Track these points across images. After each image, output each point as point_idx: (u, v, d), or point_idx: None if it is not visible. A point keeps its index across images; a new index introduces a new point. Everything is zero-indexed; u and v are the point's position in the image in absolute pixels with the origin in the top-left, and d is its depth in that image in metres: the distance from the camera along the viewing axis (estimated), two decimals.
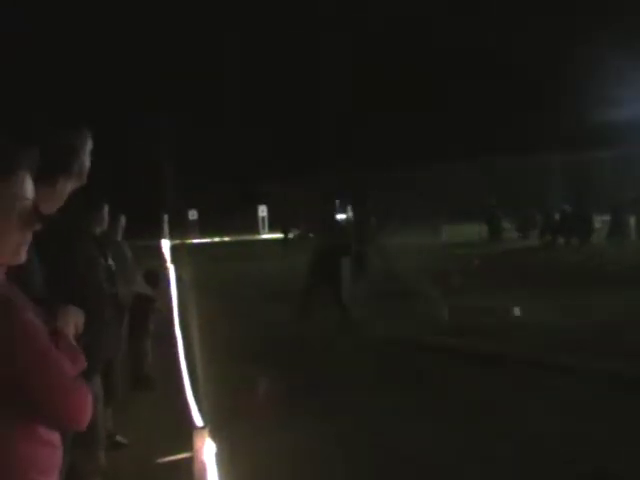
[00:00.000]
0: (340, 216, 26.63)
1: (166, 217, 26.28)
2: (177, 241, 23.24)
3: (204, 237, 27.47)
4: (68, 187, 1.47)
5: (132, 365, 4.57)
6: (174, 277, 6.35)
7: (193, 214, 30.19)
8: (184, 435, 2.69)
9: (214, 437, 1.89)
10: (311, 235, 9.97)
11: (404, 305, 7.13)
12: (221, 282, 10.48)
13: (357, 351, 5.39)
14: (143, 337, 4.62)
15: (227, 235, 26.54)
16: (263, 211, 30.25)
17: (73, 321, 1.17)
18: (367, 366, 4.85)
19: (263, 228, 30.69)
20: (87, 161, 1.55)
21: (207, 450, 1.79)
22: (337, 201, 22.54)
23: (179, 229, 25.24)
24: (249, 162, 33.52)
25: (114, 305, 2.78)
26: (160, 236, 20.94)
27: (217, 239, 26.73)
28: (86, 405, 1.04)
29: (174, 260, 10.10)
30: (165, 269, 9.64)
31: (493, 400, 3.92)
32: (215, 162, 33.09)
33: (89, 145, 1.56)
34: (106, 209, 3.43)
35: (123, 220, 4.27)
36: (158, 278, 4.91)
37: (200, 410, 3.19)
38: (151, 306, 4.64)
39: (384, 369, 4.77)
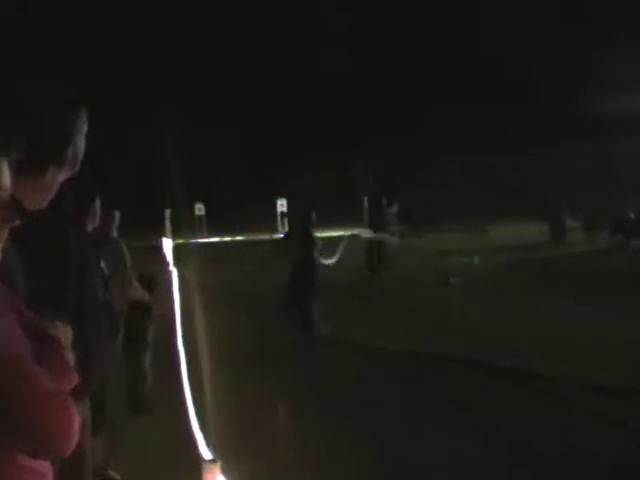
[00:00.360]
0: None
1: (168, 212, 26.81)
2: (181, 240, 23.98)
3: (213, 236, 27.63)
4: (60, 177, 1.44)
5: (127, 385, 4.52)
6: (176, 282, 6.39)
7: (200, 209, 30.35)
8: (189, 469, 2.70)
9: (226, 473, 1.88)
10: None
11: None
12: (231, 288, 10.69)
13: (375, 365, 5.71)
14: (140, 352, 4.59)
15: (240, 233, 26.76)
16: (282, 205, 30.30)
17: (62, 337, 1.16)
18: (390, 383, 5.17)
19: (282, 225, 30.78)
20: (82, 146, 1.53)
21: None
22: (365, 197, 24.23)
23: (183, 226, 25.11)
24: (266, 149, 34.31)
25: (108, 314, 2.81)
26: (161, 235, 21.41)
27: (228, 238, 26.91)
28: (70, 428, 1.01)
29: (177, 262, 10.32)
30: (167, 273, 9.82)
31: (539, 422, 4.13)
32: (227, 149, 33.98)
33: (85, 127, 1.54)
34: (98, 202, 3.45)
35: (117, 216, 4.31)
36: (154, 283, 4.92)
37: (208, 440, 3.17)
38: (149, 315, 4.62)
39: (416, 385, 5.07)
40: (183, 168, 26.64)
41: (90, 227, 3.19)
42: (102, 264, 3.30)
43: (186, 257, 12.63)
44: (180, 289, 6.31)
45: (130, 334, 4.24)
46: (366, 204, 24.59)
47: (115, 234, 4.29)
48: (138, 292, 4.36)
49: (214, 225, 29.18)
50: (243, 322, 7.37)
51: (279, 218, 30.31)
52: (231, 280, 12.30)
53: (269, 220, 30.37)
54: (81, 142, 1.57)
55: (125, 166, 31.44)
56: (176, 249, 15.38)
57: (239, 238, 26.64)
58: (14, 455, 1.01)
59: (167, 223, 26.37)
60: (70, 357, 1.15)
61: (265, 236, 24.39)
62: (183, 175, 26.27)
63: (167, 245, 14.87)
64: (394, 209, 23.04)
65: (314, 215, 8.28)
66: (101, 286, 2.52)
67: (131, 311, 4.13)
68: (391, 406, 4.60)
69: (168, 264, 11.33)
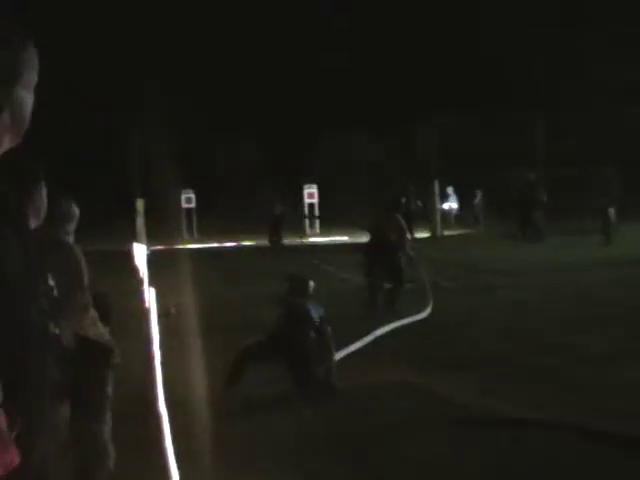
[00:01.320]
0: (449, 204, 29.19)
1: (140, 204, 27.08)
2: (160, 246, 24.30)
3: (207, 239, 28.34)
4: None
5: (77, 470, 4.50)
6: (152, 308, 6.49)
7: (189, 199, 31.11)
8: None
9: None
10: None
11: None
12: (231, 320, 11.26)
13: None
14: (97, 418, 4.55)
15: (247, 235, 27.10)
16: (312, 195, 30.86)
17: None
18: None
19: (312, 224, 30.88)
20: (30, 103, 1.57)
21: None
22: (436, 181, 26.52)
23: (164, 224, 26.45)
24: (288, 110, 36.07)
25: (58, 357, 2.80)
26: (131, 237, 21.71)
27: (229, 243, 27.13)
28: None
29: (153, 279, 10.48)
30: (137, 293, 9.94)
31: None
32: (230, 110, 35.87)
33: (35, 76, 1.58)
34: (44, 190, 3.53)
35: (75, 212, 4.39)
36: (109, 308, 5.03)
37: None
38: (108, 363, 4.63)
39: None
40: (164, 140, 28.48)
41: (33, 224, 3.22)
42: (50, 280, 3.33)
43: (167, 270, 13.01)
44: (157, 320, 6.37)
45: (79, 391, 4.17)
46: (437, 189, 27.18)
47: (70, 238, 4.37)
48: (97, 327, 4.45)
49: (209, 223, 29.97)
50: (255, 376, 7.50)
51: (307, 212, 30.95)
52: (233, 307, 12.68)
53: (293, 215, 30.81)
54: (28, 97, 1.62)
55: (85, 140, 33.96)
56: (153, 257, 15.69)
57: (246, 242, 26.73)
58: None
59: (139, 220, 27.05)
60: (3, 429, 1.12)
61: (289, 240, 24.67)
62: (164, 150, 27.79)
63: (139, 253, 15.06)
64: (478, 199, 25.50)
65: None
66: (49, 314, 2.45)
67: (81, 356, 4.13)
68: None
69: (140, 281, 11.50)
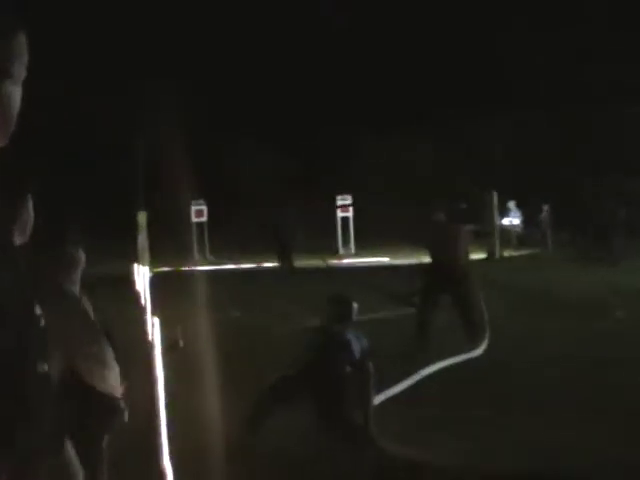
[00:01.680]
0: (511, 220, 29.13)
1: (143, 218, 27.22)
2: (166, 267, 24.51)
3: (222, 260, 28.73)
4: None
5: None
6: (157, 341, 6.49)
7: (200, 211, 31.59)
8: None
9: None
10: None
11: None
12: (250, 354, 11.42)
13: None
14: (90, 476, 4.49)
15: (268, 255, 27.12)
16: (346, 209, 31.08)
17: None
18: None
19: (345, 243, 31.07)
20: (18, 96, 1.57)
21: None
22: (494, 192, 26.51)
23: (171, 243, 27.02)
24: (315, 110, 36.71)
25: (52, 403, 2.79)
26: (132, 258, 21.76)
27: (247, 265, 27.50)
28: None
29: (158, 306, 10.46)
30: (140, 325, 9.98)
31: None
32: (248, 110, 36.99)
33: (23, 64, 1.58)
34: (31, 202, 3.54)
35: (82, 256, 4.51)
36: (111, 344, 5.14)
37: None
38: (111, 417, 4.73)
39: None
40: (171, 144, 28.70)
41: (18, 240, 3.21)
42: (37, 309, 3.33)
43: (174, 297, 13.25)
44: (164, 356, 6.40)
45: (79, 440, 4.08)
46: (495, 200, 27.12)
47: (77, 288, 4.49)
48: (110, 379, 4.52)
49: (224, 240, 30.30)
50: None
51: (339, 227, 31.33)
52: (252, 340, 12.75)
53: (323, 231, 31.11)
54: (16, 92, 1.61)
55: (80, 144, 34.92)
56: (156, 282, 15.80)
57: (268, 264, 27.02)
58: None
59: (141, 236, 27.50)
60: None
61: (318, 261, 24.76)
62: (170, 155, 27.87)
63: (140, 276, 15.19)
64: (544, 214, 25.60)
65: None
66: (36, 345, 2.43)
67: (80, 407, 4.20)
68: None
69: (143, 310, 11.54)
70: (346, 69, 37.81)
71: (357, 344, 7.30)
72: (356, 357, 7.25)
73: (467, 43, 36.81)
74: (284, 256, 24.78)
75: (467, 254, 12.08)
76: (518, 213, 30.89)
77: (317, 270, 24.41)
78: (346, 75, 37.65)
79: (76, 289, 4.63)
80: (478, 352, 11.03)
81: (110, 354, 4.64)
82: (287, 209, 26.60)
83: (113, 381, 4.65)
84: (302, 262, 25.70)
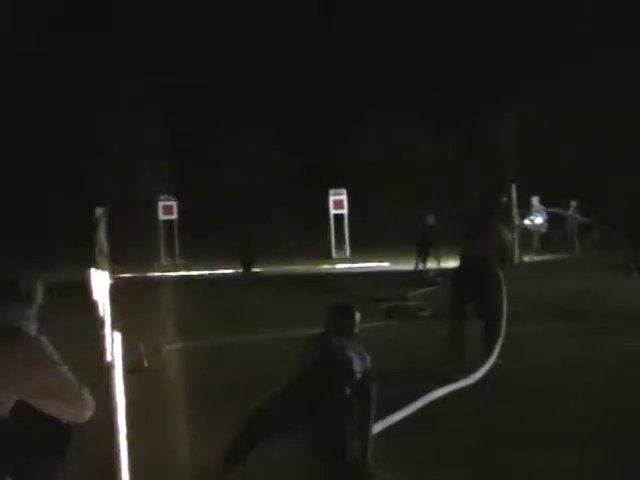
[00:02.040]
0: (532, 219, 29.08)
1: (101, 214, 27.10)
2: (129, 273, 24.02)
3: (194, 263, 28.77)
4: None
5: None
6: (118, 361, 6.46)
7: (169, 208, 31.62)
8: None
9: None
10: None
11: None
12: (228, 375, 11.18)
13: None
14: None
15: (251, 260, 26.80)
16: (340, 204, 31.27)
17: None
18: None
19: (340, 245, 31.72)
20: None
21: None
22: (514, 185, 26.52)
23: (134, 243, 27.27)
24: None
25: None
26: (89, 261, 21.60)
27: (224, 270, 27.23)
28: None
29: (119, 319, 10.60)
30: (98, 340, 9.98)
31: None
32: (223, 91, 37.80)
33: None
34: None
35: (39, 290, 4.59)
36: None
37: None
38: (64, 450, 4.79)
39: None
40: (136, 132, 28.71)
41: None
42: None
43: (140, 309, 13.56)
44: (126, 379, 6.35)
45: None
46: (514, 197, 26.83)
47: (33, 326, 4.57)
48: (67, 407, 4.62)
49: (197, 241, 30.34)
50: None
51: (332, 226, 31.45)
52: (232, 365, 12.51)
53: (313, 230, 31.58)
54: None
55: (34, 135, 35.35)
56: (119, 291, 15.80)
57: (256, 270, 26.78)
58: None
59: (99, 236, 27.43)
60: None
61: (312, 266, 24.71)
62: (136, 144, 27.71)
63: (98, 283, 15.19)
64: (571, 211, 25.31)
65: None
66: None
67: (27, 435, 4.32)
68: None
69: (101, 324, 11.55)
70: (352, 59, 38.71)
71: (359, 362, 7.13)
72: (357, 378, 7.06)
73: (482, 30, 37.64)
74: (246, 261, 25.22)
75: (500, 253, 11.95)
76: (542, 212, 30.38)
77: (302, 277, 24.47)
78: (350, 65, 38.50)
79: (32, 328, 4.65)
80: (484, 370, 10.96)
81: (68, 383, 4.68)
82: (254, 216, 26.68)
83: (69, 408, 4.70)
84: (290, 267, 25.68)
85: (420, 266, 24.76)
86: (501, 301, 11.82)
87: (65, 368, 4.65)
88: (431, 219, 25.52)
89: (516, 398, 9.91)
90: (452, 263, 14.74)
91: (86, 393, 4.84)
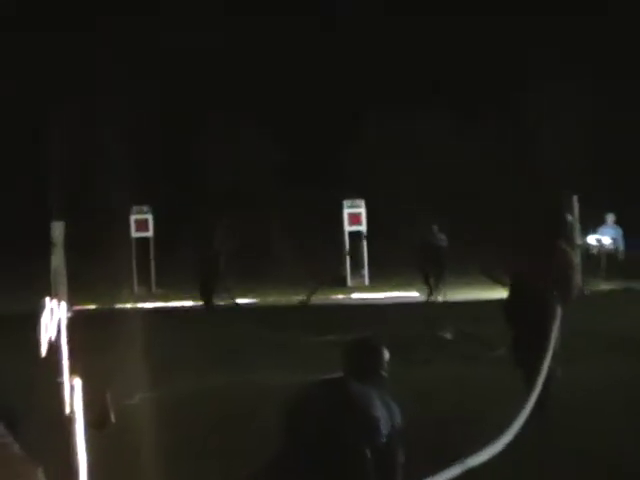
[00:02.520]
0: (599, 238, 28.88)
1: (58, 230, 27.15)
2: (92, 305, 24.47)
3: (173, 292, 29.13)
4: None
5: None
6: (78, 414, 6.46)
7: (143, 222, 31.88)
8: None
9: None
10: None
11: None
12: (213, 430, 11.39)
13: None
14: None
15: (240, 287, 27.24)
16: (357, 219, 31.28)
17: None
18: None
19: (357, 270, 31.80)
20: None
21: None
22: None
23: (100, 268, 26.13)
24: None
25: None
26: (44, 289, 21.52)
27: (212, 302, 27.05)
28: None
29: (80, 362, 10.56)
30: (54, 388, 10.11)
31: None
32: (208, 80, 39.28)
33: None
34: None
35: None
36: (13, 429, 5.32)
37: None
38: None
39: None
40: (104, 131, 29.13)
41: None
42: None
43: (106, 349, 13.71)
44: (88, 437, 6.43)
45: None
46: (576, 209, 26.95)
47: None
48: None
49: (177, 266, 30.12)
50: None
51: (346, 245, 31.64)
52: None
53: (325, 251, 31.79)
54: None
55: None
56: (79, 327, 15.75)
57: (240, 301, 27.10)
58: None
59: (55, 259, 27.57)
60: None
61: (324, 295, 25.45)
62: (102, 146, 28.06)
63: (54, 317, 15.14)
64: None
65: None
66: None
67: None
68: None
69: (57, 368, 11.57)
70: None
71: (386, 417, 6.86)
72: (383, 438, 6.79)
73: None
74: (206, 291, 25.43)
75: (568, 284, 11.97)
76: (616, 230, 30.16)
77: (294, 309, 24.83)
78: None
79: None
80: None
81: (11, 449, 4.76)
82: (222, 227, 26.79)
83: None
84: (290, 297, 25.89)
85: (440, 297, 24.99)
86: (548, 344, 11.63)
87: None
88: (442, 238, 26.01)
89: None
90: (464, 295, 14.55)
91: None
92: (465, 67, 39.29)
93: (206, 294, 25.40)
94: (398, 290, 27.87)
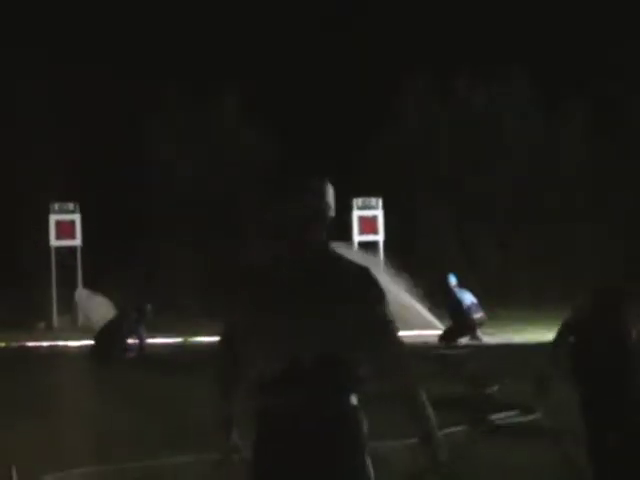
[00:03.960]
0: None
1: None
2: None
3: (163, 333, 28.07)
4: None
5: None
6: None
7: (67, 225, 29.61)
8: None
9: None
10: None
11: None
12: None
13: None
14: None
15: (206, 319, 26.45)
16: (371, 226, 31.88)
17: None
18: None
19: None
20: None
21: None
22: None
23: (9, 291, 27.29)
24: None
25: None
26: None
27: (161, 339, 26.80)
28: None
29: None
30: None
31: None
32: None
33: None
34: None
35: None
36: None
37: None
38: None
39: None
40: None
41: None
42: None
43: (15, 409, 13.91)
44: None
45: None
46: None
47: None
48: None
49: (120, 282, 30.26)
50: None
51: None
52: None
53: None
54: None
55: None
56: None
57: (204, 339, 27.98)
58: None
59: None
60: None
61: None
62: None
63: None
64: None
65: None
66: None
67: None
68: None
69: None
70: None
71: None
72: None
73: None
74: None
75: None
76: None
77: None
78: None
79: None
80: None
81: None
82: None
83: None
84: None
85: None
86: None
87: None
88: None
89: None
90: None
91: None
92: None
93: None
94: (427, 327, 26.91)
